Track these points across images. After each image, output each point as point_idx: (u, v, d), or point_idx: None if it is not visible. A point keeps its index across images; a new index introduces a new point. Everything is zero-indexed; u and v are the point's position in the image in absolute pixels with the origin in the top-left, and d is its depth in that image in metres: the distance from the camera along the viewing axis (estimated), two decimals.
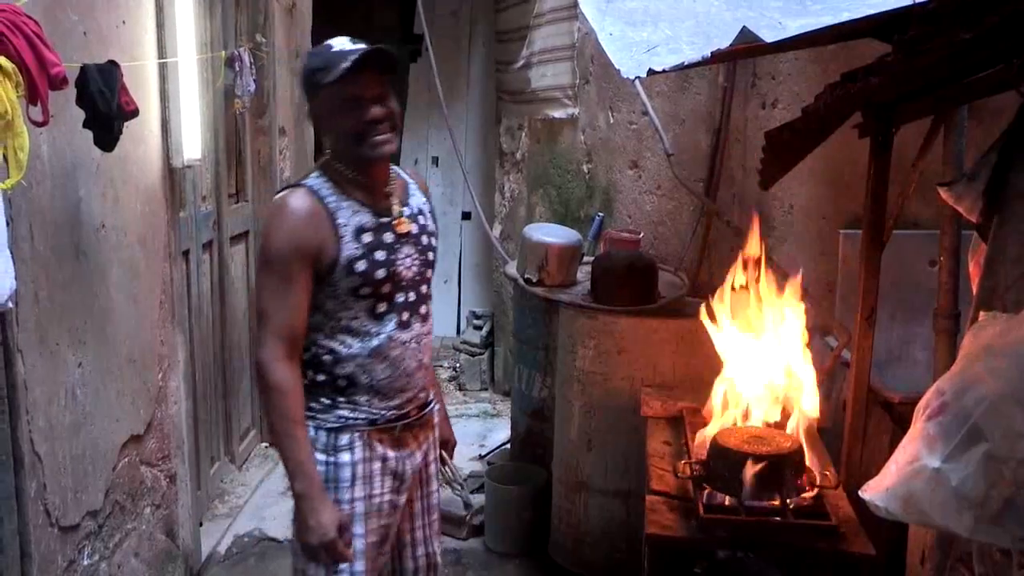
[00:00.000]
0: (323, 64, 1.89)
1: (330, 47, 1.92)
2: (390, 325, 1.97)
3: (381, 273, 1.94)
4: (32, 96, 1.83)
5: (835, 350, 2.64)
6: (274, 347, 1.90)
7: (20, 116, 1.78)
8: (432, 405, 2.15)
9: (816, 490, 2.08)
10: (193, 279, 3.46)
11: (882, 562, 2.04)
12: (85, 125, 2.23)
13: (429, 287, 2.08)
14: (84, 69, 2.18)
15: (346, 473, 1.98)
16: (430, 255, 2.06)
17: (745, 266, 2.37)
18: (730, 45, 1.79)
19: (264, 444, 4.41)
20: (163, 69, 2.89)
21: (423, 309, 2.05)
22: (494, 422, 4.81)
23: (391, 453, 2.03)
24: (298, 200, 1.92)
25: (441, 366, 5.60)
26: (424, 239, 2.04)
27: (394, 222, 1.98)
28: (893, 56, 1.56)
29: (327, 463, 1.97)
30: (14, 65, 1.76)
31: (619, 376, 3.07)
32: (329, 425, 1.98)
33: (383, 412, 2.01)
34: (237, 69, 3.44)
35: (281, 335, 1.90)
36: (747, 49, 1.86)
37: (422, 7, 4.84)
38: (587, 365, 3.13)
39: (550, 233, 3.55)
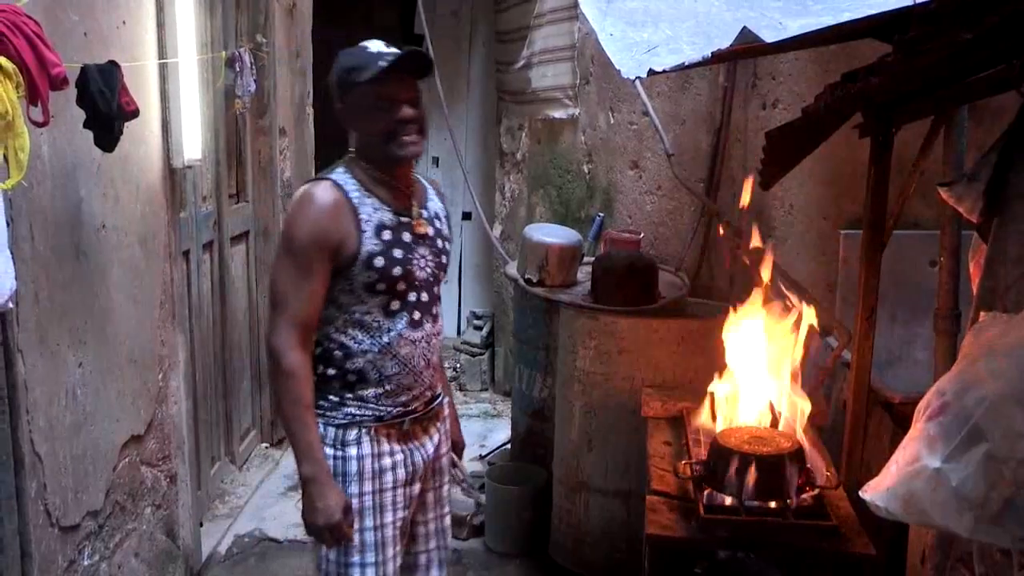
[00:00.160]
0: (359, 63, 1.94)
1: (366, 48, 1.97)
2: (401, 323, 2.01)
3: (397, 271, 1.98)
4: (32, 96, 1.83)
5: (835, 350, 2.64)
6: (288, 334, 1.93)
7: (21, 116, 1.78)
8: (440, 398, 2.19)
9: (816, 490, 2.08)
10: (193, 279, 3.47)
11: (882, 562, 2.04)
12: (85, 125, 2.23)
13: (439, 288, 2.12)
14: (84, 69, 2.18)
15: (353, 467, 2.01)
16: (443, 258, 2.11)
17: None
18: (730, 45, 1.79)
19: (264, 444, 4.41)
20: (163, 69, 2.89)
21: (434, 310, 2.09)
22: (494, 422, 4.81)
23: (398, 447, 2.06)
24: (323, 192, 1.96)
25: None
26: (439, 243, 2.09)
27: (413, 223, 2.03)
28: (893, 56, 1.56)
29: (335, 457, 2.01)
30: (15, 65, 1.76)
31: (619, 376, 3.07)
32: (337, 422, 2.01)
33: (389, 409, 2.04)
34: (237, 69, 3.45)
35: (295, 323, 1.94)
36: (747, 49, 1.86)
37: (422, 7, 4.84)
38: (587, 365, 3.12)
39: (550, 233, 3.56)
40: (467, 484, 2.35)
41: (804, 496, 2.07)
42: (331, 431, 2.01)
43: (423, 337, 2.05)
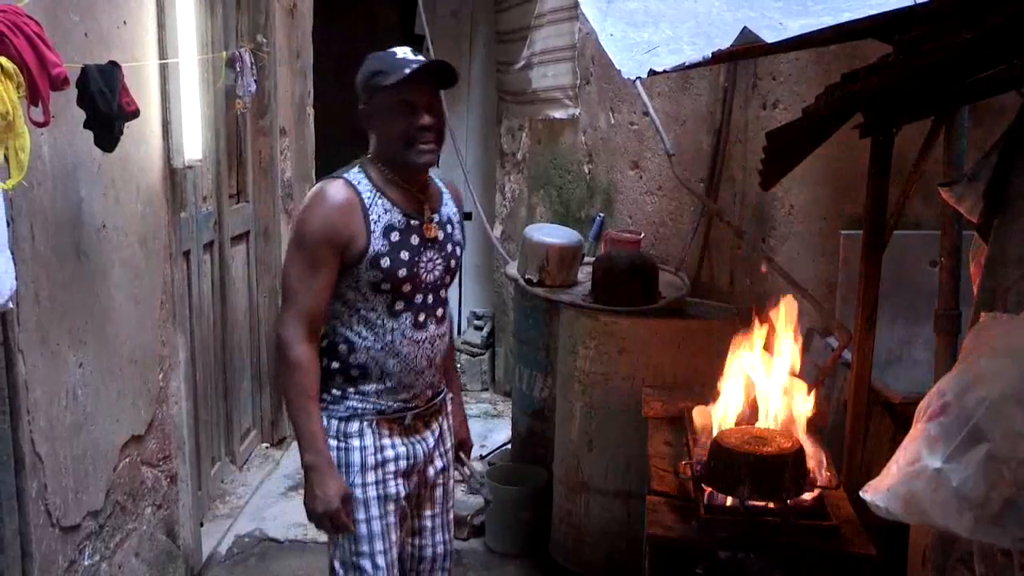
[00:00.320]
0: (384, 68, 1.98)
1: (394, 53, 2.01)
2: (405, 323, 2.05)
3: (403, 272, 2.01)
4: (33, 96, 1.83)
5: (836, 350, 2.64)
6: (295, 326, 1.99)
7: (21, 116, 1.78)
8: (443, 394, 2.23)
9: (817, 490, 2.08)
10: (194, 279, 3.46)
11: (882, 562, 2.04)
12: (86, 125, 2.23)
13: (447, 291, 2.16)
14: (85, 70, 2.18)
15: (356, 458, 2.06)
16: (452, 263, 2.14)
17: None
18: (731, 45, 1.79)
19: (265, 445, 4.41)
20: (164, 69, 2.89)
21: (440, 312, 2.12)
22: (495, 422, 4.80)
23: (400, 440, 2.11)
24: (336, 190, 2.00)
25: None
26: (449, 247, 2.12)
27: (423, 226, 2.06)
28: (894, 56, 1.56)
29: (339, 448, 2.06)
30: (15, 65, 1.76)
31: (620, 376, 3.07)
32: (340, 415, 2.06)
33: (390, 404, 2.09)
34: (238, 69, 3.45)
35: (302, 316, 1.99)
36: (748, 50, 1.86)
37: (423, 8, 4.84)
38: (588, 365, 3.12)
39: (551, 233, 3.55)
40: (476, 481, 2.39)
41: (804, 496, 2.07)
42: (334, 424, 2.06)
43: (427, 338, 2.09)
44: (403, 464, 2.11)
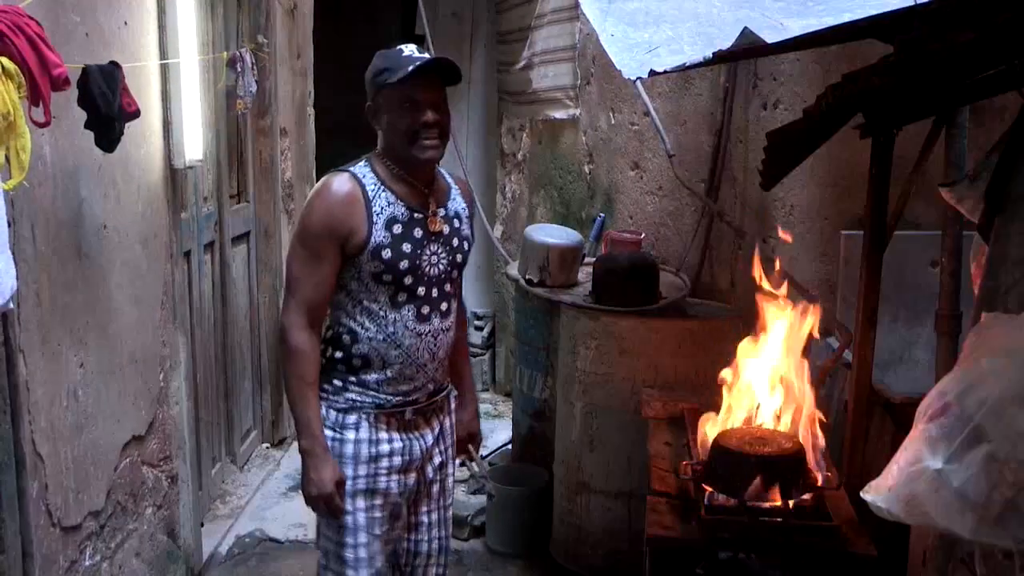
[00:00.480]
0: (390, 65, 2.02)
1: (400, 51, 2.04)
2: (408, 315, 2.08)
3: (404, 264, 2.04)
4: (34, 97, 1.83)
5: (836, 351, 2.64)
6: (297, 315, 2.04)
7: (22, 117, 1.78)
8: (446, 391, 2.25)
9: (818, 491, 2.08)
10: (195, 280, 3.47)
11: (883, 563, 2.03)
12: (87, 126, 2.23)
13: (453, 286, 2.18)
14: (86, 70, 2.18)
15: (349, 450, 2.10)
16: (458, 257, 2.16)
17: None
18: (731, 46, 1.78)
19: (265, 445, 4.41)
20: (165, 70, 2.90)
21: (444, 306, 2.14)
22: (495, 423, 4.80)
23: (398, 435, 2.14)
24: (340, 183, 2.05)
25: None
26: (455, 241, 2.15)
27: (428, 220, 2.09)
28: (895, 57, 1.56)
29: (334, 439, 2.10)
30: (16, 66, 1.76)
31: (620, 377, 3.07)
32: (339, 406, 2.10)
33: (389, 397, 2.11)
34: (239, 70, 3.44)
35: (304, 305, 2.05)
36: (749, 50, 1.86)
37: (423, 8, 4.84)
38: (588, 366, 3.12)
39: (551, 234, 3.56)
40: (480, 475, 2.41)
41: (805, 497, 2.07)
42: (332, 414, 2.10)
43: (429, 331, 2.11)
44: (398, 461, 2.13)
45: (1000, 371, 1.44)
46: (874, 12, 1.62)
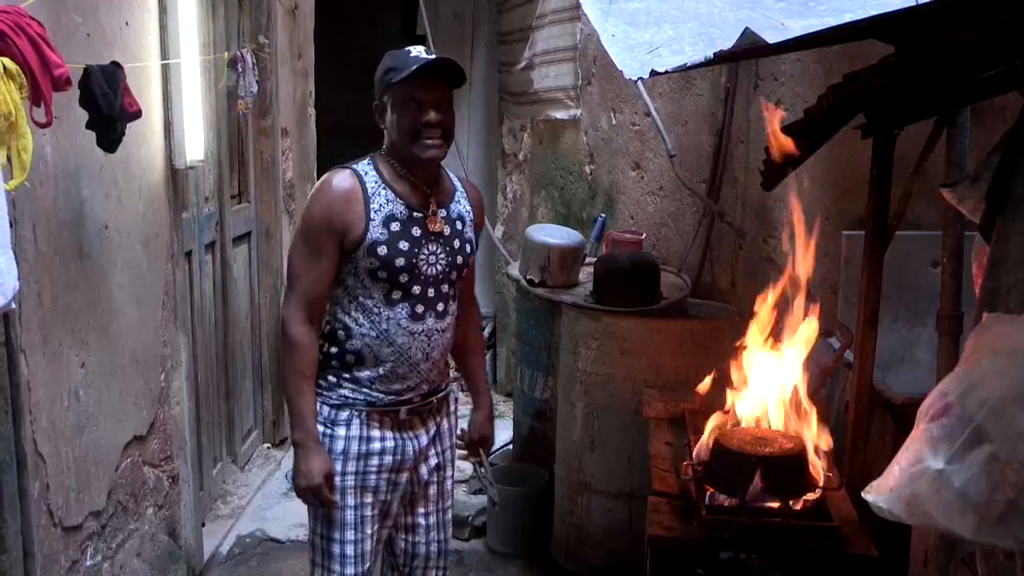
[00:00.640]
0: (396, 64, 2.04)
1: (408, 52, 2.07)
2: (401, 313, 2.09)
3: (400, 261, 2.05)
4: (35, 97, 1.83)
5: (838, 351, 2.64)
6: (297, 308, 2.07)
7: (24, 117, 1.78)
8: (443, 393, 2.25)
9: (818, 491, 2.07)
10: (196, 280, 3.47)
11: (884, 563, 2.03)
12: (88, 126, 2.23)
13: (452, 288, 2.18)
14: (87, 70, 2.18)
15: (339, 446, 2.11)
16: (458, 259, 2.17)
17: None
18: (733, 46, 1.78)
19: (266, 445, 4.41)
20: (166, 70, 2.90)
21: (441, 307, 2.14)
22: (496, 423, 4.75)
23: (390, 434, 2.14)
24: (340, 179, 2.07)
25: None
26: (456, 242, 2.16)
27: (427, 219, 2.10)
28: (896, 57, 1.56)
29: (324, 435, 2.11)
30: (17, 66, 1.76)
31: (621, 377, 3.07)
32: (332, 402, 2.12)
33: (381, 396, 2.12)
34: (240, 70, 3.45)
35: (304, 299, 2.07)
36: (750, 50, 1.86)
37: (424, 9, 4.84)
38: (589, 366, 3.12)
39: (552, 234, 3.56)
40: (488, 480, 2.41)
41: (806, 497, 2.06)
42: (325, 409, 2.12)
43: (423, 331, 2.11)
44: (388, 460, 2.14)
45: (1001, 371, 1.44)
46: (875, 12, 1.62)
